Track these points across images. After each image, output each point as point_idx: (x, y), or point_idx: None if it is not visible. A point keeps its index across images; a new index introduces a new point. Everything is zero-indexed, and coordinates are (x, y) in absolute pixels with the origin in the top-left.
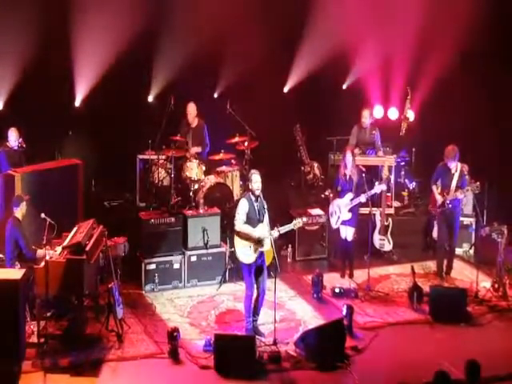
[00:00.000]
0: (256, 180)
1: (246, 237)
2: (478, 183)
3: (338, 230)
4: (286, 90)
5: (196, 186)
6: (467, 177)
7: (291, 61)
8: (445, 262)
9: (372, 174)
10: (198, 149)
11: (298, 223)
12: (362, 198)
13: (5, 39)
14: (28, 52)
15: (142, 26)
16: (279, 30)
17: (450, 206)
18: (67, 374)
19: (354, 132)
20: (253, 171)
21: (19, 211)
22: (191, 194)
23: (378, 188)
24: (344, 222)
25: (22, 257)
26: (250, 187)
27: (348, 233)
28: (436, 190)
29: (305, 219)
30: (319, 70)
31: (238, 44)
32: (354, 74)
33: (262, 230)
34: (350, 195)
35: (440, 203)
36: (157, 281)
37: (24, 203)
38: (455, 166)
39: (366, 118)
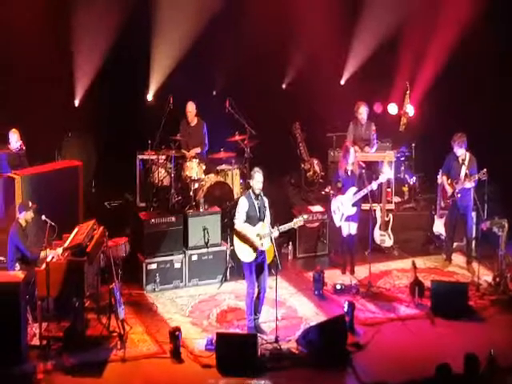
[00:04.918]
0: (258, 179)
1: (245, 236)
2: (485, 170)
3: (339, 227)
4: (284, 86)
5: (196, 185)
6: None
7: (288, 57)
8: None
9: (372, 169)
10: (197, 149)
11: (298, 221)
12: (368, 190)
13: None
14: (26, 52)
15: (138, 24)
16: (274, 26)
17: (459, 195)
18: (69, 375)
19: (350, 129)
20: (256, 169)
21: (23, 218)
22: (191, 193)
23: (384, 177)
24: (347, 218)
25: (25, 260)
26: (251, 184)
27: (351, 227)
28: (446, 180)
29: (305, 217)
30: (317, 65)
31: (235, 41)
32: (351, 69)
33: (262, 229)
34: (353, 189)
35: (450, 193)
36: (158, 281)
37: (30, 212)
38: (463, 155)
39: (363, 114)
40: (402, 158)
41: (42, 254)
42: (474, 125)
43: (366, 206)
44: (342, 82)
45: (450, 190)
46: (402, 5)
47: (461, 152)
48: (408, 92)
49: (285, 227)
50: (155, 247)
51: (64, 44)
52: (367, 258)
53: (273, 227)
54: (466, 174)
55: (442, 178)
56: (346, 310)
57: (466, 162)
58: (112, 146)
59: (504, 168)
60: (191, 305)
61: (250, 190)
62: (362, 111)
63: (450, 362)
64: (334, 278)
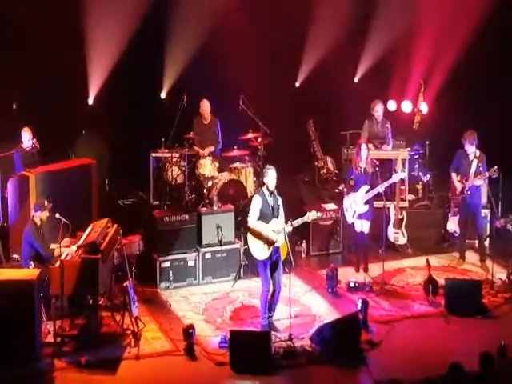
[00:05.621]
0: (272, 176)
1: (259, 233)
2: (496, 167)
3: (352, 224)
4: (297, 84)
5: (210, 183)
6: None
7: (302, 54)
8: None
9: (386, 167)
10: (211, 148)
11: (311, 215)
12: (380, 189)
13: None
14: (40, 50)
15: (153, 22)
16: (287, 23)
17: (469, 193)
18: (84, 373)
19: (365, 127)
20: (268, 166)
21: (38, 217)
22: (205, 191)
23: (397, 177)
24: (360, 216)
25: (40, 258)
26: (265, 182)
27: (364, 226)
28: (456, 177)
29: (319, 214)
30: (330, 62)
31: (249, 38)
32: (365, 66)
33: (275, 226)
34: (365, 187)
35: (459, 190)
36: (171, 278)
37: (46, 211)
38: (473, 152)
39: (379, 112)
40: (416, 156)
41: (57, 251)
42: (488, 122)
43: (379, 204)
44: (356, 80)
45: (459, 188)
46: (416, 3)
47: (471, 149)
48: (422, 90)
49: (298, 222)
50: (169, 245)
51: (78, 42)
52: (381, 255)
53: (286, 223)
54: (475, 172)
55: (451, 175)
56: (359, 307)
57: (476, 160)
58: (126, 144)
59: None
60: (205, 302)
61: (264, 188)
62: (379, 109)
63: (463, 359)
64: (348, 275)
